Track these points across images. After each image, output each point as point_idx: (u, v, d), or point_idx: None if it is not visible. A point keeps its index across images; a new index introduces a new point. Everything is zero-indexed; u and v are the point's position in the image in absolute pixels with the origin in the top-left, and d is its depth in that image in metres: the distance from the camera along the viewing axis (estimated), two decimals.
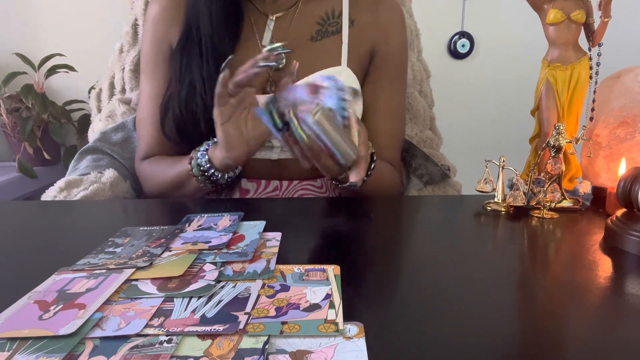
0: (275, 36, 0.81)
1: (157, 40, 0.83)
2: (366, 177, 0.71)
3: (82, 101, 1.88)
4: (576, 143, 0.65)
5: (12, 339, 0.36)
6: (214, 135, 0.75)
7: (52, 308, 0.39)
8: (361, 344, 0.35)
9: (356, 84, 0.83)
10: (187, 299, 0.41)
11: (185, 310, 0.39)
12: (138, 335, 0.36)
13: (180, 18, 0.81)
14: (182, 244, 0.53)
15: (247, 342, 0.35)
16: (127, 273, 0.46)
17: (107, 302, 0.41)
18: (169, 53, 0.83)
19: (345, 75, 0.80)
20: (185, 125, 0.77)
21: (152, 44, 0.84)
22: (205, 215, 0.62)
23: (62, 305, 0.40)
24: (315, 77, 0.56)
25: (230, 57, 0.63)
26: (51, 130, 1.79)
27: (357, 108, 0.66)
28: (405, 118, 0.94)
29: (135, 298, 0.41)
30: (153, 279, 0.45)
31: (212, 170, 0.72)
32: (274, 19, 0.82)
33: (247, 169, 0.82)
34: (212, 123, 0.75)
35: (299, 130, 0.53)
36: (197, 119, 0.76)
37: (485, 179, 0.69)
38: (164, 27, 0.83)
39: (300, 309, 0.39)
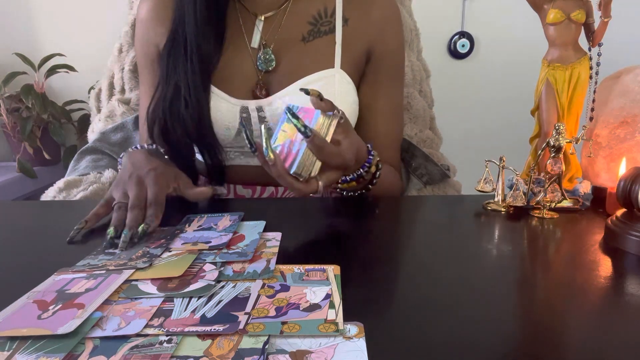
0: (265, 37, 0.79)
1: (146, 41, 0.82)
2: (371, 185, 0.71)
3: (82, 101, 1.88)
4: (576, 143, 0.65)
5: (12, 339, 0.36)
6: (199, 141, 0.75)
7: (51, 308, 0.39)
8: (361, 344, 0.35)
9: (351, 88, 0.80)
10: (187, 299, 0.41)
11: (185, 310, 0.39)
12: (138, 335, 0.36)
13: (168, 18, 0.79)
14: (182, 244, 0.53)
15: (247, 342, 0.35)
16: (126, 273, 0.46)
17: (107, 302, 0.41)
18: (157, 54, 0.82)
19: (338, 78, 0.78)
20: (170, 128, 0.75)
21: (142, 45, 0.83)
22: (205, 216, 0.62)
23: (61, 305, 0.40)
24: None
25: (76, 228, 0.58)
26: (51, 130, 1.79)
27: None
28: (403, 117, 0.93)
29: (135, 298, 0.41)
30: (153, 279, 0.45)
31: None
32: (262, 19, 0.79)
33: (241, 176, 0.81)
34: (197, 126, 0.74)
35: (267, 149, 0.58)
36: (182, 123, 0.74)
37: (485, 179, 0.69)
38: (151, 27, 0.81)
39: (300, 309, 0.39)
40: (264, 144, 0.58)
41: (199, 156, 0.80)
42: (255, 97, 0.77)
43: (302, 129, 0.57)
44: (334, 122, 0.61)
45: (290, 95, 0.76)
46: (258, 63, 0.78)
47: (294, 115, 0.57)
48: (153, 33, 0.81)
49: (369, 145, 0.69)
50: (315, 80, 0.77)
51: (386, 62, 0.83)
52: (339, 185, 0.68)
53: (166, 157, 0.75)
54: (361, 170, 0.66)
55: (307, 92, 0.61)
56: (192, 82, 0.74)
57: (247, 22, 0.80)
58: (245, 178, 0.82)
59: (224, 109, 0.76)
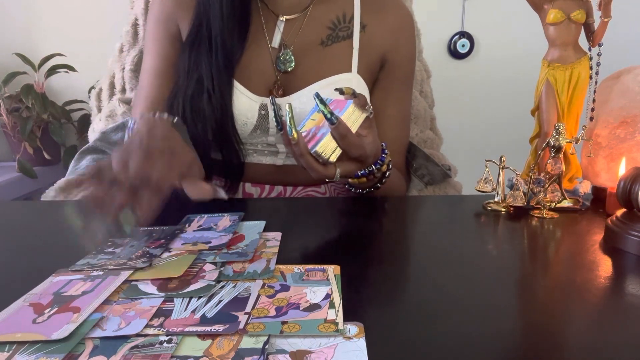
0: (285, 38, 0.80)
1: (165, 19, 0.82)
2: (380, 184, 0.71)
3: (82, 101, 1.88)
4: (576, 143, 0.65)
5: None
6: (219, 135, 0.75)
7: (46, 311, 0.39)
8: (361, 344, 0.35)
9: (366, 92, 0.81)
10: (187, 299, 0.41)
11: (185, 310, 0.39)
12: (138, 335, 0.36)
13: (191, 5, 0.79)
14: (182, 244, 0.53)
15: (247, 342, 0.35)
16: (124, 275, 0.45)
17: (107, 302, 0.41)
18: (177, 32, 0.82)
19: (355, 83, 0.79)
20: (189, 122, 0.74)
21: (158, 22, 0.83)
22: (206, 216, 0.62)
23: (56, 309, 0.40)
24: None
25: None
26: (51, 130, 1.79)
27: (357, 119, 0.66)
28: (410, 123, 0.94)
29: (136, 298, 0.41)
30: (153, 280, 0.45)
31: None
32: (284, 20, 0.80)
33: (252, 174, 0.82)
34: (218, 120, 0.74)
35: (290, 128, 0.58)
36: (202, 117, 0.74)
37: (485, 179, 0.69)
38: (172, 6, 0.82)
39: (300, 309, 0.39)
40: (288, 122, 0.58)
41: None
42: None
43: (328, 116, 0.58)
44: (363, 116, 0.63)
45: (307, 97, 0.77)
46: (277, 63, 0.79)
47: (322, 101, 0.58)
48: (175, 13, 0.81)
49: (383, 144, 0.70)
50: (332, 83, 0.78)
51: (399, 69, 0.85)
52: (349, 180, 0.68)
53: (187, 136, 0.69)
54: (373, 167, 0.67)
55: (341, 91, 0.63)
56: (216, 76, 0.75)
57: (269, 22, 0.81)
58: (255, 176, 0.82)
59: (245, 103, 0.77)
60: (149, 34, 0.85)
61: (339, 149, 0.61)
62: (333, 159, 0.61)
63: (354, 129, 0.61)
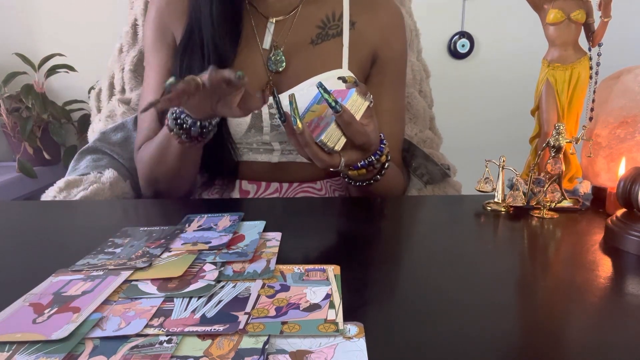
0: (276, 39, 0.81)
1: (163, 30, 0.83)
2: (379, 176, 0.71)
3: (82, 101, 1.88)
4: (576, 143, 0.65)
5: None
6: (213, 139, 0.75)
7: (46, 311, 0.39)
8: (361, 344, 0.35)
9: None
10: (187, 299, 0.41)
11: (185, 310, 0.39)
12: (138, 335, 0.36)
13: (184, 11, 0.80)
14: (182, 244, 0.53)
15: (247, 342, 0.35)
16: (124, 275, 0.45)
17: (107, 302, 0.41)
18: (173, 40, 0.82)
19: None
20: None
21: (156, 33, 0.83)
22: (205, 216, 0.62)
23: (56, 309, 0.40)
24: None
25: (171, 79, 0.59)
26: (51, 130, 1.79)
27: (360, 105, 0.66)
28: (405, 119, 0.95)
29: (136, 298, 0.41)
30: (153, 279, 0.45)
31: (184, 116, 0.68)
32: (274, 21, 0.81)
33: (248, 171, 0.83)
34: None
35: (295, 118, 0.59)
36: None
37: (485, 179, 0.69)
38: (167, 17, 0.82)
39: (300, 309, 0.39)
40: (292, 113, 0.59)
41: None
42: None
43: (333, 104, 0.59)
44: (366, 104, 0.63)
45: (298, 94, 0.77)
46: (269, 64, 0.80)
47: (326, 90, 0.59)
48: (170, 22, 0.82)
49: (381, 135, 0.70)
50: (323, 80, 0.78)
51: (390, 65, 0.86)
52: (349, 172, 0.69)
53: None
54: (373, 157, 0.68)
55: (344, 79, 0.63)
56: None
57: (259, 24, 0.82)
58: (251, 174, 0.83)
59: None
60: (147, 46, 0.86)
61: (343, 137, 0.62)
62: (338, 147, 0.62)
63: (357, 117, 0.62)
